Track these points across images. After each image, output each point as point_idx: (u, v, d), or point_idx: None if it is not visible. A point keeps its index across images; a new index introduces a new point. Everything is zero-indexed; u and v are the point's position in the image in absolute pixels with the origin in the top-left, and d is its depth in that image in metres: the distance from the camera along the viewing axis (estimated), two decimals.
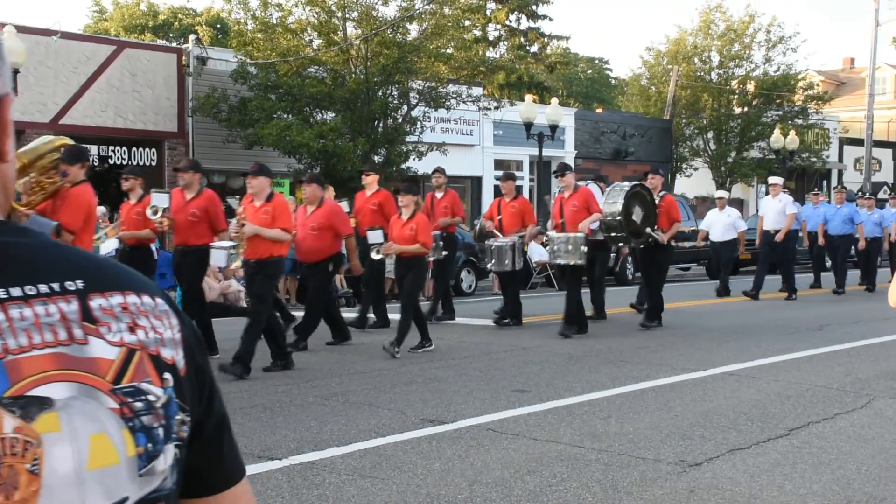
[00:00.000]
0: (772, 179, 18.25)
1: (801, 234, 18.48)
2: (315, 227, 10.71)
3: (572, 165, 14.96)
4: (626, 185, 13.28)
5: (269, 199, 9.52)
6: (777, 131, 33.82)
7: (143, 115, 21.34)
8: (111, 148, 20.74)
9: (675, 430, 6.87)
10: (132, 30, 43.55)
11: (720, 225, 18.33)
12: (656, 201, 13.06)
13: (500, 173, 28.59)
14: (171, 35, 43.48)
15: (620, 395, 8.19)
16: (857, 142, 41.93)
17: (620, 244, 13.30)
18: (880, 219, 19.72)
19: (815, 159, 38.51)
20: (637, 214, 12.74)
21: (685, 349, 10.98)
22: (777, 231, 17.05)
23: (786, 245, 17.12)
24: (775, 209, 17.20)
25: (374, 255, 11.36)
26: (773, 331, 12.67)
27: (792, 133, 34.23)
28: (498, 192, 15.92)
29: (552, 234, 12.46)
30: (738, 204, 33.64)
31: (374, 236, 11.44)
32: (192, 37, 24.22)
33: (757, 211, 23.39)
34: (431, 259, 12.66)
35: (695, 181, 36.33)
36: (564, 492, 5.39)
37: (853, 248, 19.45)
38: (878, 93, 44.00)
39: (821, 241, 18.92)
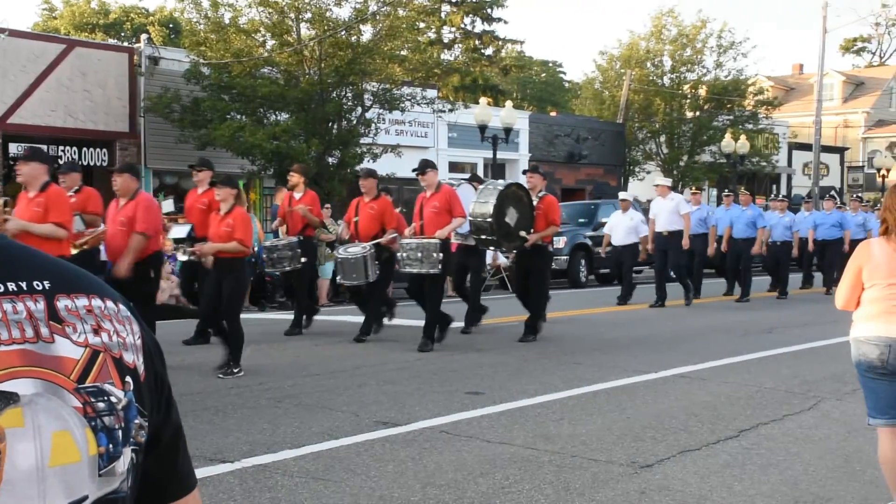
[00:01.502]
0: (658, 180, 17.76)
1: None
2: (125, 223, 9.48)
3: (510, 167, 14.30)
4: (501, 183, 12.02)
5: (44, 188, 8.44)
6: (728, 136, 34.22)
7: (94, 114, 21.06)
8: (61, 148, 20.42)
9: (626, 432, 6.93)
10: (83, 28, 43.04)
11: (622, 228, 17.41)
12: (534, 202, 11.95)
13: (461, 176, 28.51)
14: (122, 34, 43.05)
15: (573, 397, 8.24)
16: (806, 147, 42.60)
17: (492, 248, 12.11)
18: (791, 222, 19.31)
19: (765, 164, 39.04)
20: (511, 216, 11.60)
21: (637, 351, 11.07)
22: (670, 232, 16.48)
23: (680, 248, 16.54)
24: (667, 209, 16.62)
25: (181, 256, 10.08)
26: (724, 333, 12.82)
27: (742, 137, 34.67)
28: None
29: (404, 240, 11.26)
30: None
31: (177, 231, 10.14)
32: (144, 36, 23.95)
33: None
34: (289, 268, 11.93)
35: (647, 185, 36.63)
36: (517, 494, 5.42)
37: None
38: (826, 98, 44.71)
39: (724, 246, 18.29)
